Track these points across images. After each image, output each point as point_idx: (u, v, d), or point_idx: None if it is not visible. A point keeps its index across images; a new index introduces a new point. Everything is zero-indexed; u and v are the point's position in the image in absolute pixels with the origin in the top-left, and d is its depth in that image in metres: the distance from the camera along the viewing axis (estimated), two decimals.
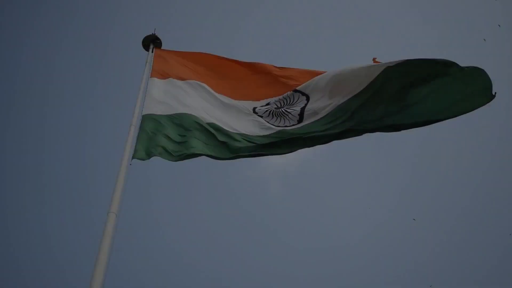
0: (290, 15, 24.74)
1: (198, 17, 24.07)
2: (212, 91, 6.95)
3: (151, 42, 7.88)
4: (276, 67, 7.43)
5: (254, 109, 6.64)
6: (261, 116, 6.43)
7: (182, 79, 7.04)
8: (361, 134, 5.64)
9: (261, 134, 6.09)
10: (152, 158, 5.40)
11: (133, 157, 5.27)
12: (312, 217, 18.83)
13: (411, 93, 5.46)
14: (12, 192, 17.75)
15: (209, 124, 6.12)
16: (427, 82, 5.37)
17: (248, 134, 6.09)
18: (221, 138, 5.87)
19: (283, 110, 6.45)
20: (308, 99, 6.45)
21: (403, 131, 5.51)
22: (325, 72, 6.60)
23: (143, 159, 5.35)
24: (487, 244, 16.86)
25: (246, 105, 6.76)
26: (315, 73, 6.78)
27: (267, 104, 6.66)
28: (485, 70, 4.90)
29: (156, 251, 17.07)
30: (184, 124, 6.01)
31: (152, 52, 7.67)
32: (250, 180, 21.07)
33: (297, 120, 6.22)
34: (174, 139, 5.75)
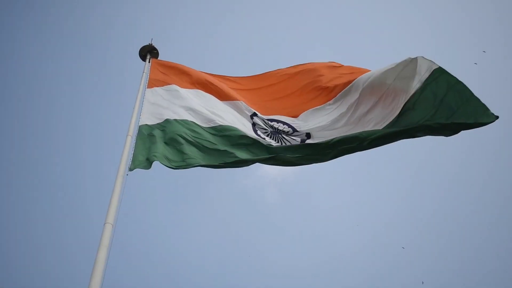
0: (288, 24, 24.94)
1: (195, 27, 24.19)
2: (213, 97, 7.02)
3: (148, 52, 7.95)
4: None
5: (252, 116, 6.75)
6: (259, 135, 6.48)
7: (180, 87, 7.08)
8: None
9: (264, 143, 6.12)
10: (148, 170, 5.39)
11: (130, 169, 5.24)
12: (307, 225, 18.83)
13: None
14: (8, 202, 17.68)
15: (210, 128, 6.20)
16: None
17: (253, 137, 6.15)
18: (222, 147, 5.91)
19: (282, 137, 6.51)
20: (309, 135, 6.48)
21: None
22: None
23: (143, 168, 5.34)
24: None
25: (246, 109, 6.89)
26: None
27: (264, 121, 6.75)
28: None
29: (153, 261, 17.00)
30: (180, 131, 6.01)
31: (149, 62, 7.72)
32: (247, 189, 21.07)
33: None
34: (171, 146, 5.75)
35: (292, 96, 7.21)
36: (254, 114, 6.85)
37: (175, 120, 6.23)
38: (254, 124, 6.70)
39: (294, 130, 6.58)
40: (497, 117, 4.39)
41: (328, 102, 6.70)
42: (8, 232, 16.51)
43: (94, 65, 22.28)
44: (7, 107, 19.50)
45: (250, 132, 6.35)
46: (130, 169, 5.26)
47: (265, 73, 7.76)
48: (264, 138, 6.33)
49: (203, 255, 17.54)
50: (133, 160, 5.38)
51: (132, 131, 5.86)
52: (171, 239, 18.18)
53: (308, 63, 7.60)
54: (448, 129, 4.80)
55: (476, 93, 4.64)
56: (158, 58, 7.99)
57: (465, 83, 4.80)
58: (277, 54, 23.16)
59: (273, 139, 6.43)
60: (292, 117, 6.83)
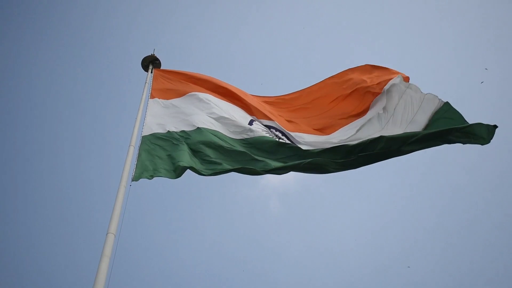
0: (288, 37, 25.02)
1: (197, 37, 24.31)
2: (215, 98, 7.05)
3: (150, 62, 7.98)
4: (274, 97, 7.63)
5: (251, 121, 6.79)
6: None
7: (181, 95, 7.11)
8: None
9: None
10: (151, 180, 5.41)
11: (133, 179, 5.26)
12: (310, 235, 18.76)
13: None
14: (12, 211, 17.70)
15: (213, 131, 6.26)
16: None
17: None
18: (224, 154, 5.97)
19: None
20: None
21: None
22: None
23: (146, 178, 5.36)
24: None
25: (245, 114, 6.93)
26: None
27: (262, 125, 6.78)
28: None
29: (155, 271, 16.95)
30: (183, 140, 6.05)
31: (151, 72, 7.75)
32: (250, 199, 21.03)
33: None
34: (171, 156, 5.77)
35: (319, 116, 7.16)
36: (252, 120, 6.88)
37: (177, 130, 6.26)
38: (251, 122, 6.75)
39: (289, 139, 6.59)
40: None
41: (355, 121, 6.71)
42: (11, 240, 16.52)
43: (98, 76, 22.38)
44: (12, 119, 19.59)
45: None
46: (134, 180, 5.28)
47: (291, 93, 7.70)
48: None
49: (206, 266, 17.49)
50: (136, 172, 5.39)
51: (135, 142, 5.88)
52: (174, 249, 18.15)
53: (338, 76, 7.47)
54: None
55: None
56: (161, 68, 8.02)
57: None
58: (280, 63, 23.28)
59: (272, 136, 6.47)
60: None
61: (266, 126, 6.73)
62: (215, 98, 7.08)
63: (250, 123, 6.72)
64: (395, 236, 17.97)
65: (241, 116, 6.82)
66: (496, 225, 16.83)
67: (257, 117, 6.91)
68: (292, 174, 5.97)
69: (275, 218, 20.12)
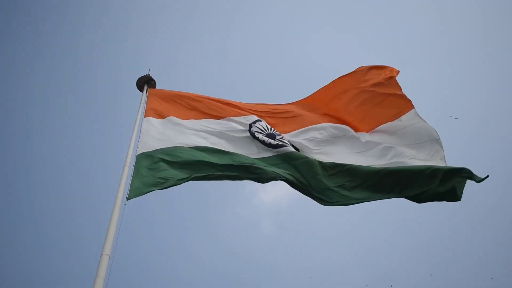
0: (282, 50, 25.26)
1: (192, 57, 24.49)
2: (208, 120, 7.08)
3: (145, 83, 7.97)
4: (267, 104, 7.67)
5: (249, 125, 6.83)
6: (257, 136, 6.60)
7: (177, 117, 7.09)
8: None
9: (262, 156, 6.31)
10: (146, 199, 5.41)
11: (128, 198, 5.22)
12: (304, 255, 18.65)
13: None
14: (4, 232, 17.52)
15: (205, 147, 6.28)
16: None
17: (248, 155, 6.31)
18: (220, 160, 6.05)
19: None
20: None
21: None
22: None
23: (138, 196, 5.35)
24: None
25: (241, 119, 6.98)
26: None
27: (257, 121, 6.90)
28: None
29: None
30: (174, 154, 6.06)
31: (146, 92, 7.74)
32: (242, 219, 20.96)
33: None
34: (166, 171, 5.78)
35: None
36: (254, 122, 6.93)
37: (170, 146, 6.26)
38: (250, 127, 6.80)
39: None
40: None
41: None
42: (4, 264, 16.32)
43: (92, 95, 22.43)
44: (4, 140, 19.53)
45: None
46: (128, 198, 5.25)
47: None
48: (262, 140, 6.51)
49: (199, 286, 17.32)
50: (131, 190, 5.38)
51: (129, 162, 5.87)
52: (166, 268, 17.99)
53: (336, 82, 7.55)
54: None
55: None
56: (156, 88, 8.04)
57: None
58: (275, 80, 23.43)
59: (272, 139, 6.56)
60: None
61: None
62: (210, 120, 7.12)
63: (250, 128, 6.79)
64: (391, 253, 17.93)
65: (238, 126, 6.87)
66: None
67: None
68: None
69: (267, 237, 20.04)
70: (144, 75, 8.04)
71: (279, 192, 21.61)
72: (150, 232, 18.51)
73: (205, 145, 6.38)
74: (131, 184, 5.45)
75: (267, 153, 6.41)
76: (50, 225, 18.29)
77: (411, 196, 5.67)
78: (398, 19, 25.65)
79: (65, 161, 20.21)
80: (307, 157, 6.27)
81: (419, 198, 5.66)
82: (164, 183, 5.51)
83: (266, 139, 6.54)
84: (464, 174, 5.27)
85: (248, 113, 7.16)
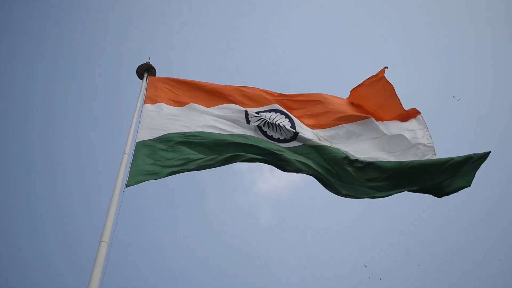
0: (284, 42, 25.16)
1: (192, 45, 24.37)
2: (204, 108, 7.04)
3: (145, 71, 7.94)
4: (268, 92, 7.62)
5: (246, 115, 6.83)
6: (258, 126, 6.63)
7: (173, 103, 7.07)
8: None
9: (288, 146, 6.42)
10: (143, 188, 5.40)
11: (126, 185, 5.20)
12: (302, 244, 18.70)
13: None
14: (4, 220, 17.55)
15: (199, 132, 6.29)
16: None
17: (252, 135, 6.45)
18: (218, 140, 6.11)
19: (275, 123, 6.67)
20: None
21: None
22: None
23: (136, 183, 5.34)
24: None
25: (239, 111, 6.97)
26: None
27: (257, 113, 6.89)
28: None
29: (148, 280, 16.83)
30: (174, 141, 6.07)
31: (146, 80, 7.70)
32: (241, 207, 20.98)
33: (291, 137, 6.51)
34: (164, 159, 5.77)
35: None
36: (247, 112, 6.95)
37: (169, 132, 6.24)
38: (247, 115, 6.83)
39: (292, 124, 6.73)
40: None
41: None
42: (3, 251, 16.36)
43: (93, 83, 22.36)
44: (4, 128, 19.49)
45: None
46: (127, 186, 5.23)
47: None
48: (260, 127, 6.57)
49: (199, 274, 17.38)
50: (130, 176, 5.36)
51: (129, 150, 5.85)
52: (167, 257, 18.04)
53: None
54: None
55: None
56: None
57: None
58: (277, 68, 23.34)
59: (270, 128, 6.60)
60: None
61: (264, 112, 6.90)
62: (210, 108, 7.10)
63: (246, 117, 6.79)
64: (391, 244, 17.98)
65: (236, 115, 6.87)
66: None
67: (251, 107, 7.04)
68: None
69: (265, 228, 20.08)
70: (144, 63, 8.01)
71: (279, 182, 21.65)
72: (144, 221, 18.54)
73: (207, 131, 6.40)
74: (130, 171, 5.43)
75: (291, 143, 6.49)
76: (47, 215, 18.33)
77: (431, 188, 5.86)
78: (398, 18, 25.53)
79: (65, 151, 20.20)
80: (333, 151, 6.33)
81: (439, 191, 5.84)
82: (162, 172, 5.52)
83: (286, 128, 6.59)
84: (476, 160, 5.64)
85: (271, 102, 7.18)
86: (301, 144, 6.46)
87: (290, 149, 6.36)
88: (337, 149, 6.36)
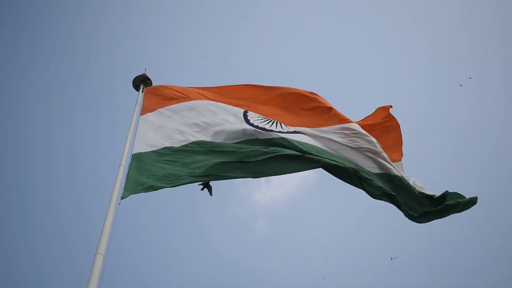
0: (282, 51, 25.28)
1: (189, 56, 24.45)
2: (202, 101, 7.10)
3: (141, 82, 7.98)
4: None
5: (245, 114, 6.84)
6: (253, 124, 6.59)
7: (168, 104, 7.12)
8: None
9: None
10: (139, 199, 5.39)
11: (122, 197, 5.18)
12: (298, 255, 18.64)
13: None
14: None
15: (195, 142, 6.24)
16: None
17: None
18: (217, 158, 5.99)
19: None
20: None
21: None
22: None
23: (133, 193, 5.33)
24: None
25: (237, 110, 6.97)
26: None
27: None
28: None
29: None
30: (169, 153, 6.05)
31: (142, 92, 7.73)
32: (237, 218, 20.93)
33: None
34: (161, 171, 5.76)
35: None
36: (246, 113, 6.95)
37: (164, 146, 6.23)
38: (246, 115, 6.82)
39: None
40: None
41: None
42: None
43: (89, 95, 22.36)
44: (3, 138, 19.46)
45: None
46: (122, 197, 5.22)
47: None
48: (262, 127, 6.48)
49: (194, 286, 17.29)
50: (126, 189, 5.34)
51: (125, 161, 5.85)
52: (162, 269, 17.94)
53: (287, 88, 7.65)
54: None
55: None
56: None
57: None
58: (274, 76, 23.40)
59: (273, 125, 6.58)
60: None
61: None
62: (208, 101, 7.11)
63: (245, 117, 6.79)
64: (386, 254, 17.93)
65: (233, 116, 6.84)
66: None
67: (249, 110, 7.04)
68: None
69: (261, 240, 20.01)
70: (140, 75, 8.05)
71: (274, 193, 21.63)
72: (139, 233, 18.47)
73: (204, 139, 6.38)
74: (125, 183, 5.42)
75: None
76: (43, 227, 18.23)
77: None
78: (397, 19, 25.69)
79: (61, 160, 20.15)
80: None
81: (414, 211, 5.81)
82: (156, 185, 5.50)
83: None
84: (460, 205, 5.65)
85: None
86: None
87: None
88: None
